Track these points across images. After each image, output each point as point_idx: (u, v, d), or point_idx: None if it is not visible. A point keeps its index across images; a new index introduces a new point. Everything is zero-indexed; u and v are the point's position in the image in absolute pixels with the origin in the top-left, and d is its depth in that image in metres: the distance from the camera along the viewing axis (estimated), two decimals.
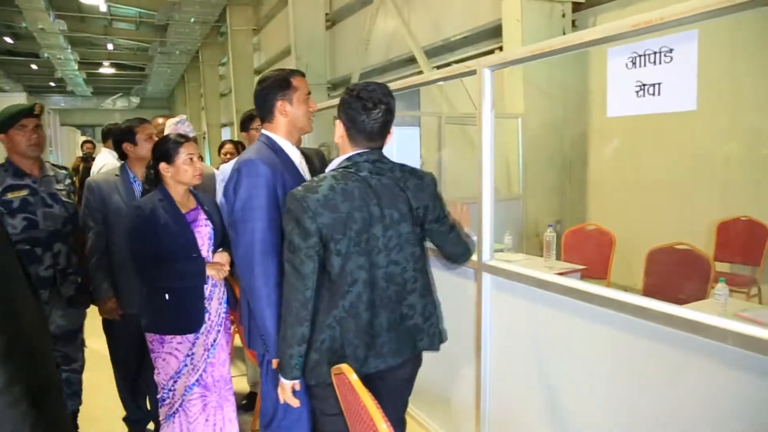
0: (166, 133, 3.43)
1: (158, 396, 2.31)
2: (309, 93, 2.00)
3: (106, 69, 21.76)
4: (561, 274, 2.95)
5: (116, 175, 2.63)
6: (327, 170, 1.75)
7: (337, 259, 1.63)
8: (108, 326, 2.70)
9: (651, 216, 4.52)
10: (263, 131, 2.01)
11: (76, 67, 20.07)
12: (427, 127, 7.22)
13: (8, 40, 17.88)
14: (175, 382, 2.25)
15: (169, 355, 2.23)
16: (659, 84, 1.51)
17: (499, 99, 5.58)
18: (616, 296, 1.67)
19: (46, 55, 17.85)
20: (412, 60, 7.46)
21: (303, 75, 2.03)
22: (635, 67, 1.56)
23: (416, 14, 7.42)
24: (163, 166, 2.28)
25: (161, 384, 2.28)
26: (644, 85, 1.54)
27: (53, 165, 2.63)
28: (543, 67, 4.94)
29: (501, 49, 5.46)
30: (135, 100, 27.71)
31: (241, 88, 13.66)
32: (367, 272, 1.67)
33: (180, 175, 2.26)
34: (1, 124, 2.37)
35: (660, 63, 1.50)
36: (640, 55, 1.55)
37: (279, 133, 1.98)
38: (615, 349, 1.72)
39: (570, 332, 1.89)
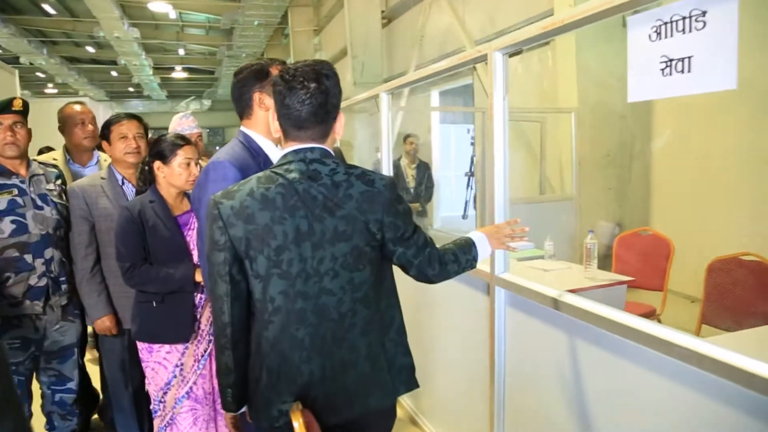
0: (171, 127, 3.34)
1: (150, 407, 2.19)
2: None
3: (179, 73, 22.56)
4: (602, 286, 2.62)
5: (102, 178, 2.47)
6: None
7: (256, 282, 1.37)
8: (101, 341, 2.52)
9: (718, 221, 4.03)
10: (241, 128, 1.82)
11: (151, 72, 20.91)
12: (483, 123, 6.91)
13: (90, 49, 18.88)
14: (165, 393, 2.12)
15: (158, 364, 2.10)
16: (689, 58, 1.19)
17: (551, 92, 5.23)
18: (650, 330, 1.34)
19: (123, 61, 18.72)
20: None
21: (285, 64, 1.82)
22: (660, 38, 1.25)
23: (470, 7, 7.11)
24: (157, 164, 2.17)
25: (152, 395, 2.16)
26: (671, 60, 1.23)
27: (41, 163, 2.48)
28: (598, 56, 4.54)
29: (553, 39, 5.06)
30: (207, 103, 28.64)
31: None
32: (292, 302, 1.35)
33: (173, 177, 2.15)
34: None
35: (690, 31, 1.18)
36: (665, 23, 1.23)
37: (258, 130, 1.80)
38: (652, 395, 1.40)
39: (590, 363, 1.58)
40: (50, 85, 23.13)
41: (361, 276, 1.40)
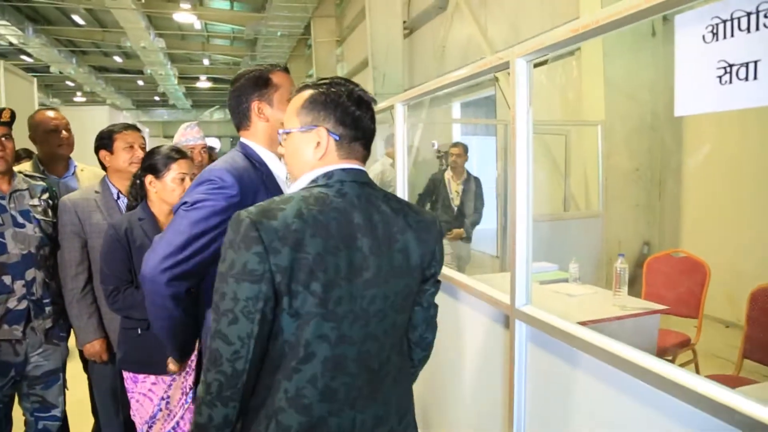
0: (176, 137, 3.20)
1: None
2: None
3: (203, 83, 22.78)
4: (633, 315, 2.40)
5: (96, 191, 2.31)
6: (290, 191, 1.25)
7: (289, 321, 1.12)
8: (90, 366, 2.36)
9: (755, 241, 3.76)
10: (240, 139, 1.65)
11: (176, 81, 21.19)
12: (505, 136, 6.71)
13: (118, 59, 19.20)
14: (150, 427, 1.95)
15: (143, 396, 1.94)
16: (755, 63, 0.99)
17: (576, 104, 5.02)
18: (690, 384, 1.14)
19: (149, 71, 18.98)
20: None
21: (287, 71, 1.66)
22: (717, 39, 1.05)
23: (492, 17, 6.95)
24: (149, 179, 2.02)
25: (138, 427, 1.99)
26: (731, 65, 1.03)
27: (28, 176, 2.30)
28: (626, 67, 4.32)
29: (579, 49, 4.87)
30: None
31: None
32: (332, 347, 1.14)
33: (166, 193, 2.00)
34: None
35: (757, 29, 0.98)
36: (723, 21, 1.03)
37: (257, 141, 1.62)
38: None
39: (622, 414, 1.37)
40: (79, 93, 23.56)
41: (402, 319, 1.27)
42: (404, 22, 9.58)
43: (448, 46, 7.86)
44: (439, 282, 1.37)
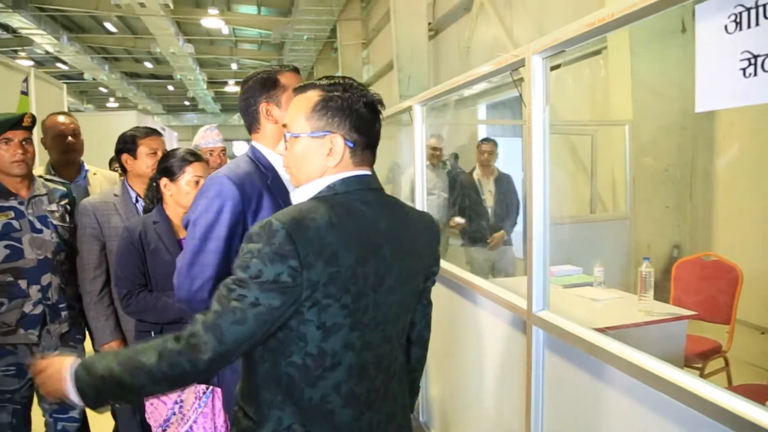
0: (195, 140, 3.21)
1: None
2: None
3: (232, 87, 23.04)
4: (659, 321, 2.31)
5: (115, 195, 2.33)
6: (296, 198, 1.21)
7: (315, 333, 1.09)
8: None
9: None
10: (251, 142, 1.64)
11: (205, 86, 21.49)
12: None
13: (148, 65, 19.57)
14: (164, 430, 1.94)
15: (157, 399, 1.93)
16: None
17: (602, 103, 4.91)
18: (721, 401, 1.07)
19: (179, 76, 19.29)
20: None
21: (296, 71, 1.63)
22: (740, 28, 0.99)
23: (517, 16, 6.86)
24: (164, 181, 2.02)
25: (153, 430, 1.99)
26: (756, 57, 0.97)
27: (49, 180, 2.33)
28: (654, 64, 4.20)
29: (605, 47, 4.75)
30: None
31: None
32: (357, 355, 1.14)
33: (180, 196, 2.00)
34: None
35: None
36: (748, 9, 0.97)
37: (266, 143, 1.60)
38: None
39: (640, 427, 1.31)
40: (112, 99, 24.09)
41: (408, 318, 1.29)
42: (429, 23, 9.53)
43: (473, 47, 7.78)
44: (431, 286, 1.38)
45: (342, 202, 1.14)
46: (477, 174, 4.60)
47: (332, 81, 1.20)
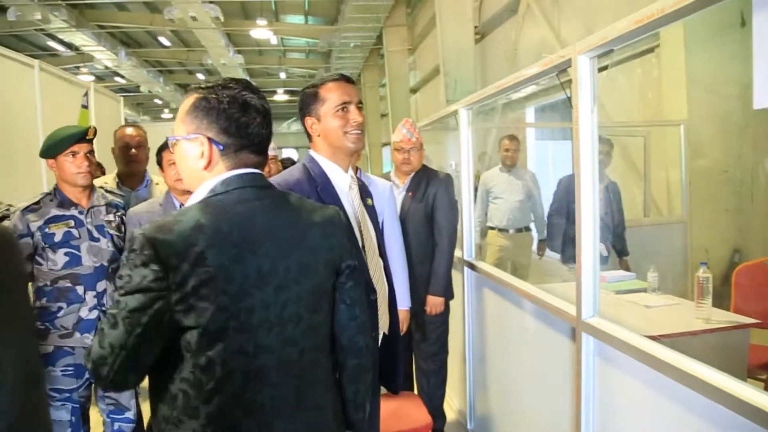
0: None
1: None
2: (347, 102, 1.65)
3: (280, 96, 23.48)
4: (718, 329, 2.21)
5: (160, 204, 2.41)
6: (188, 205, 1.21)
7: (199, 341, 1.07)
8: None
9: None
10: (309, 151, 1.77)
11: None
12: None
13: (200, 76, 20.15)
14: None
15: None
16: None
17: (656, 103, 4.75)
18: None
19: None
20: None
21: (343, 80, 1.69)
22: None
23: (565, 17, 6.72)
24: None
25: None
26: None
27: (108, 192, 2.45)
28: (711, 61, 4.04)
29: (658, 45, 4.60)
30: None
31: (397, 107, 13.79)
32: (251, 360, 1.10)
33: None
34: (50, 148, 2.19)
35: None
36: None
37: (322, 153, 1.72)
38: None
39: None
40: (166, 110, 24.93)
41: (319, 319, 1.22)
42: (475, 27, 9.46)
43: (520, 49, 7.67)
44: (357, 274, 1.31)
45: (216, 202, 1.13)
46: None
47: (215, 83, 1.20)
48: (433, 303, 2.95)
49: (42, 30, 11.30)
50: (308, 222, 1.22)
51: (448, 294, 3.00)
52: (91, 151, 2.27)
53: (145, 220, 2.33)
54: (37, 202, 2.22)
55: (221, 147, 1.16)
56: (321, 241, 1.22)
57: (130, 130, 2.98)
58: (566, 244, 3.82)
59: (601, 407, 1.66)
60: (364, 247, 1.71)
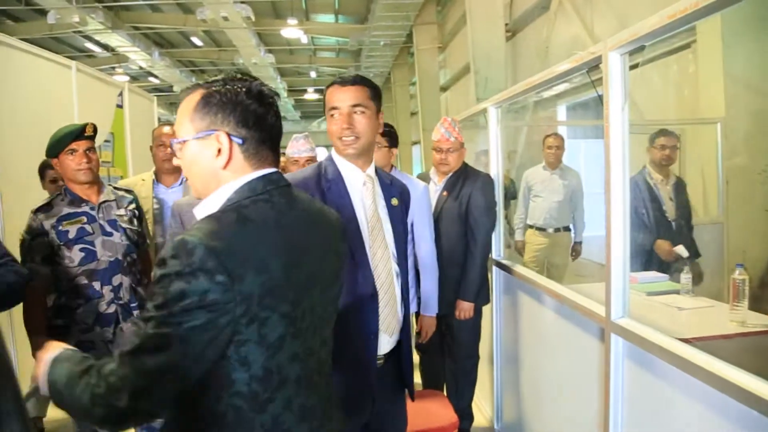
0: (287, 149, 3.30)
1: None
2: (334, 108, 1.70)
3: (311, 95, 23.66)
4: (753, 333, 2.15)
5: (198, 198, 2.47)
6: (200, 212, 1.13)
7: (257, 353, 0.99)
8: None
9: None
10: (331, 149, 1.82)
11: (285, 94, 22.17)
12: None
13: None
14: None
15: None
16: None
17: (692, 101, 4.64)
18: None
19: None
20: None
21: (338, 84, 1.71)
22: None
23: (598, 13, 6.61)
24: None
25: None
26: None
27: (116, 188, 2.50)
28: (751, 57, 3.92)
29: (695, 41, 4.49)
30: None
31: (427, 106, 13.76)
32: (304, 364, 1.07)
33: None
34: (51, 147, 2.25)
35: None
36: None
37: (339, 153, 1.76)
38: None
39: None
40: None
41: (329, 331, 1.22)
42: (506, 24, 9.36)
43: (551, 46, 7.57)
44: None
45: (254, 206, 1.05)
46: (654, 176, 3.54)
47: (215, 78, 1.13)
48: (463, 308, 2.90)
49: (79, 32, 11.59)
50: (327, 225, 1.21)
51: (479, 299, 2.96)
52: (91, 148, 2.31)
53: (185, 212, 2.38)
54: (49, 203, 2.30)
55: (241, 141, 1.08)
56: (337, 245, 1.23)
57: (167, 129, 3.06)
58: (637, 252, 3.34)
59: (629, 409, 1.63)
60: (367, 246, 1.69)
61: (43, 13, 10.15)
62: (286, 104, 24.18)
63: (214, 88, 1.09)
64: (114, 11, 11.59)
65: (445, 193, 2.97)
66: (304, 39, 16.60)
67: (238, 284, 0.95)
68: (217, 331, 0.94)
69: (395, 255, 1.77)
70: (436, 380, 3.30)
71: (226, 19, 11.30)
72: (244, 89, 1.08)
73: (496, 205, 2.96)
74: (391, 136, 2.79)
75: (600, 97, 1.68)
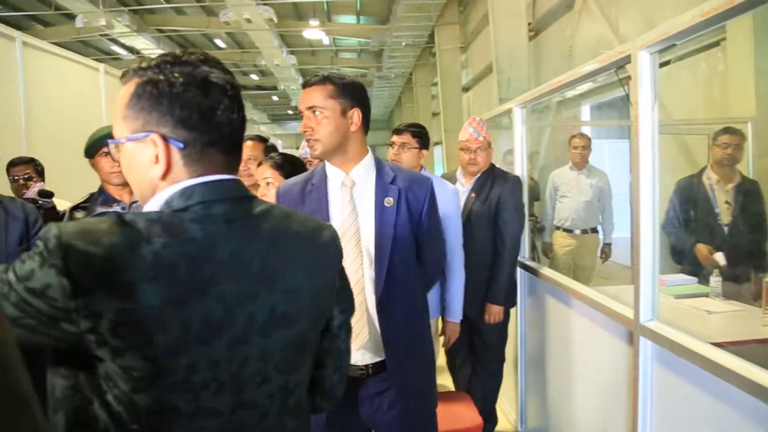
0: (300, 149, 3.32)
1: None
2: (307, 107, 1.66)
3: None
4: None
5: None
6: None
7: (121, 376, 0.81)
8: None
9: None
10: None
11: None
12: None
13: (254, 77, 20.62)
14: None
15: None
16: None
17: (722, 100, 4.56)
18: None
19: (282, 87, 20.16)
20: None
21: (305, 86, 1.68)
22: None
23: (624, 11, 6.52)
24: None
25: None
26: None
27: None
28: None
29: (725, 38, 4.40)
30: None
31: (449, 106, 13.74)
32: (189, 421, 0.83)
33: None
34: (87, 148, 2.32)
35: None
36: None
37: None
38: None
39: None
40: None
41: (299, 377, 0.95)
42: (529, 24, 9.29)
43: (575, 46, 7.49)
44: (347, 311, 1.08)
45: (166, 219, 0.84)
46: (710, 177, 3.31)
47: (160, 60, 0.90)
48: (492, 311, 2.86)
49: (105, 35, 11.80)
50: (290, 254, 0.92)
51: (508, 302, 2.92)
52: None
53: None
54: (86, 201, 2.36)
55: (181, 145, 0.87)
56: (306, 282, 0.93)
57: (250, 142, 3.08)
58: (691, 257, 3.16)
59: (658, 414, 1.60)
60: None
61: (71, 17, 10.37)
62: None
63: (147, 77, 0.88)
64: (139, 14, 11.80)
65: (473, 194, 2.92)
66: (326, 40, 16.70)
67: (84, 297, 0.77)
68: (59, 332, 0.79)
69: (374, 260, 1.64)
70: (462, 381, 3.27)
71: (248, 21, 11.41)
72: (182, 78, 0.86)
73: (524, 207, 2.93)
74: (421, 137, 2.76)
75: (627, 96, 1.66)
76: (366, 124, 1.69)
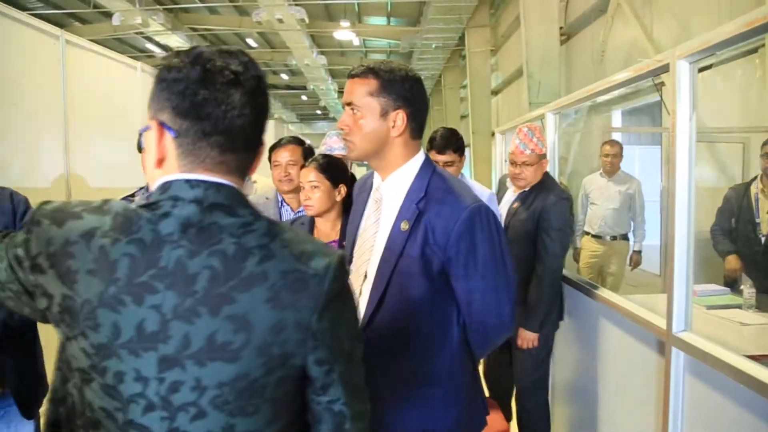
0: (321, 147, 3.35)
1: None
2: (346, 102, 1.44)
3: None
4: None
5: (266, 198, 2.51)
6: None
7: (82, 358, 0.81)
8: None
9: None
10: None
11: (336, 96, 22.43)
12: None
13: (284, 76, 20.83)
14: None
15: None
16: None
17: (759, 107, 4.46)
18: None
19: (312, 87, 20.33)
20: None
21: (349, 75, 1.51)
22: None
23: (659, 16, 6.42)
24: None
25: None
26: None
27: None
28: None
29: (763, 45, 4.31)
30: None
31: (477, 108, 13.69)
32: (119, 428, 0.80)
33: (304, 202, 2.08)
34: (138, 143, 2.36)
35: None
36: None
37: None
38: None
39: None
40: None
41: (251, 425, 0.81)
42: (561, 27, 9.22)
43: (608, 50, 7.42)
44: (337, 379, 0.87)
45: (129, 212, 0.81)
46: (757, 186, 3.19)
47: (180, 51, 0.87)
48: (526, 337, 2.57)
49: (141, 33, 12.04)
50: (251, 277, 0.80)
51: (545, 327, 2.59)
52: None
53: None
54: (133, 195, 2.42)
55: (174, 133, 0.83)
56: (264, 312, 0.80)
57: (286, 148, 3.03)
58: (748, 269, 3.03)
59: (689, 426, 1.59)
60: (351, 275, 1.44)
61: (107, 15, 10.61)
62: (336, 105, 24.48)
63: (162, 65, 0.86)
64: (174, 13, 12.02)
65: (515, 204, 2.70)
66: (356, 41, 16.79)
67: (36, 274, 0.81)
68: (33, 303, 0.85)
69: (371, 284, 1.43)
70: (497, 389, 3.10)
71: (280, 21, 11.53)
72: (189, 66, 0.83)
73: (571, 225, 2.72)
74: (461, 149, 2.59)
75: (663, 104, 1.65)
76: (415, 127, 1.43)
